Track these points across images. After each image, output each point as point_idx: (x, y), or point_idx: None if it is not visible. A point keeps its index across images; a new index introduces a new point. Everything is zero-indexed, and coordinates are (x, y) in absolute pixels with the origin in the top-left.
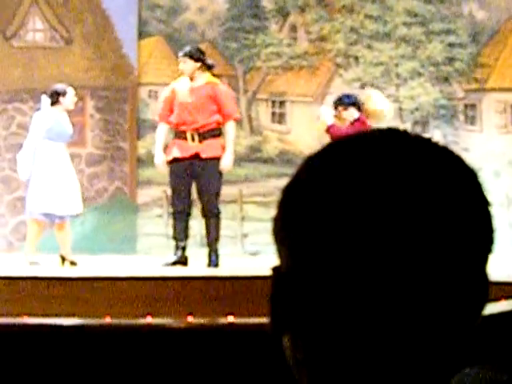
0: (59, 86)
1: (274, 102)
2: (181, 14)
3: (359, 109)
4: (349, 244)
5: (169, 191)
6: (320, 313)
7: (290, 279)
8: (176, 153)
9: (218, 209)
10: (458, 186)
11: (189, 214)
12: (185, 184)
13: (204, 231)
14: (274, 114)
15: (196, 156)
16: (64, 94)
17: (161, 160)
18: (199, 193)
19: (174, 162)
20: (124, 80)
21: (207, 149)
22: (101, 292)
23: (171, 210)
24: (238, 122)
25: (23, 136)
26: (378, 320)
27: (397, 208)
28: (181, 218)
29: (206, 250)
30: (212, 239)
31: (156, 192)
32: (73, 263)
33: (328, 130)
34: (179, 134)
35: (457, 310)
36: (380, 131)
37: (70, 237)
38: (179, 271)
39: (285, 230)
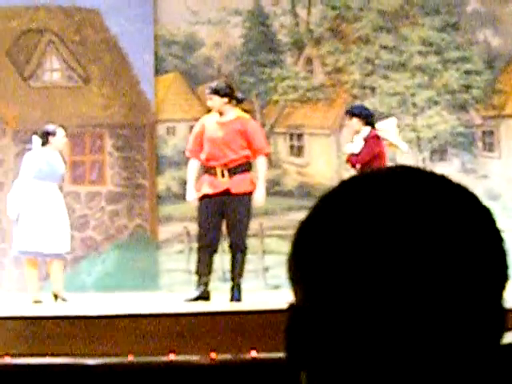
0: (50, 127)
1: (291, 135)
2: (196, 49)
3: (368, 123)
4: (363, 282)
5: (190, 227)
6: (334, 351)
7: (304, 317)
8: (206, 189)
9: (245, 244)
10: (472, 222)
11: (215, 250)
12: (214, 220)
13: (228, 266)
14: (292, 147)
15: (226, 192)
16: (54, 134)
17: (193, 197)
18: (229, 227)
19: (203, 198)
20: (142, 117)
21: (237, 184)
22: (123, 330)
23: (195, 244)
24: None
25: None
26: (393, 357)
27: (411, 246)
28: (205, 253)
29: (227, 285)
30: (236, 274)
31: (177, 228)
32: (64, 300)
33: (347, 160)
34: (209, 170)
35: (474, 342)
36: (393, 169)
37: (61, 274)
38: (201, 307)
39: (298, 268)
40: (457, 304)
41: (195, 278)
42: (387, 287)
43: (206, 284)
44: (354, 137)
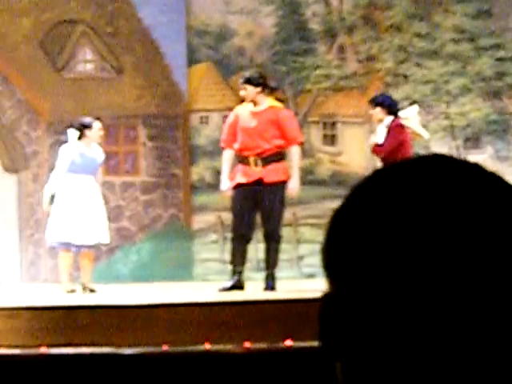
0: (86, 120)
1: (324, 124)
2: (229, 39)
3: (392, 112)
4: (397, 272)
5: (224, 216)
6: (367, 340)
7: (337, 306)
8: (240, 178)
9: (279, 234)
10: (507, 212)
11: (249, 240)
12: (248, 209)
13: (262, 255)
14: (325, 135)
15: (259, 181)
16: (90, 127)
17: (227, 186)
18: (263, 217)
19: (237, 187)
20: (175, 107)
21: (270, 173)
22: (158, 320)
23: (229, 234)
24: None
25: None
26: (427, 349)
27: (444, 236)
28: (240, 243)
29: (262, 274)
30: (271, 263)
31: (210, 218)
32: (92, 291)
33: (372, 151)
34: (242, 160)
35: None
36: (426, 158)
37: (91, 266)
38: (236, 296)
39: (332, 257)
40: (493, 296)
41: (230, 267)
42: (421, 277)
43: (241, 273)
44: (378, 126)
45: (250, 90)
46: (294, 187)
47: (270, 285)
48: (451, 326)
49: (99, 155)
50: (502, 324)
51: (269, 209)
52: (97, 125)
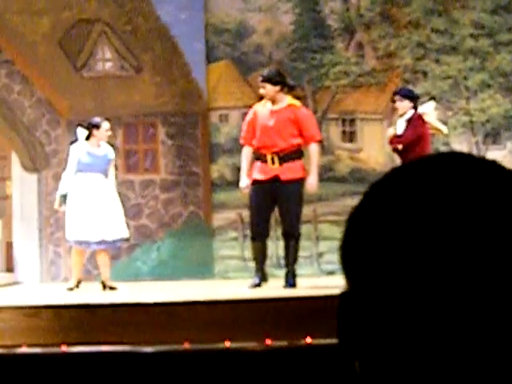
0: (95, 119)
1: (344, 121)
2: (247, 37)
3: (414, 106)
4: (413, 271)
5: (244, 213)
6: (384, 338)
7: (355, 303)
8: (256, 175)
9: (298, 231)
10: None
11: (267, 236)
12: (265, 206)
13: (282, 252)
14: (344, 132)
15: (276, 178)
16: (98, 126)
17: (245, 183)
18: (281, 215)
19: (254, 184)
20: (194, 105)
21: (287, 171)
22: (179, 317)
23: (248, 232)
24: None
25: None
26: (442, 348)
27: (462, 236)
28: (259, 240)
29: (282, 271)
30: (291, 260)
31: (231, 215)
32: (112, 288)
33: (390, 142)
34: (260, 157)
35: None
36: (444, 156)
37: (108, 264)
38: (256, 293)
39: (350, 255)
40: (509, 294)
41: (253, 264)
42: (437, 276)
43: (263, 269)
44: (398, 120)
45: (269, 89)
46: (312, 183)
47: (291, 282)
48: (466, 324)
49: (109, 154)
50: None
51: (286, 206)
52: (105, 125)
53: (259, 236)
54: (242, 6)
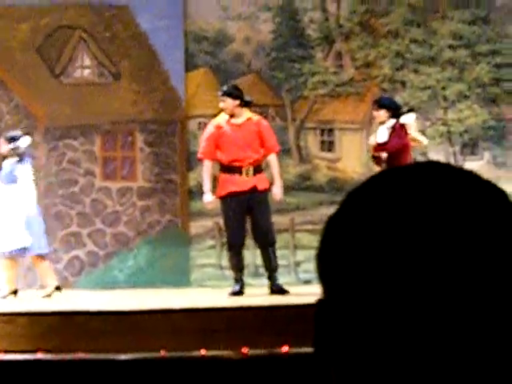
0: (14, 133)
1: (322, 130)
2: (227, 45)
3: (395, 115)
4: (388, 279)
5: (221, 222)
6: (358, 346)
7: (330, 312)
8: (233, 187)
9: (274, 238)
10: (501, 221)
11: (244, 245)
12: (241, 216)
13: (260, 261)
14: (322, 142)
15: (253, 189)
16: (16, 139)
17: (211, 199)
18: (257, 224)
19: (231, 195)
20: (173, 113)
21: (261, 181)
22: (155, 325)
23: (225, 241)
24: (288, 151)
25: (74, 172)
26: (417, 354)
27: (437, 245)
28: (237, 251)
29: (259, 280)
30: (273, 267)
31: (208, 223)
32: (58, 288)
33: (374, 150)
34: (232, 170)
35: (501, 342)
36: (422, 165)
37: (44, 269)
38: (233, 302)
39: (325, 263)
40: (483, 303)
41: (230, 273)
42: (413, 285)
43: (242, 279)
44: (379, 127)
45: (229, 102)
46: (278, 192)
47: (279, 286)
48: (442, 333)
49: (18, 166)
50: (490, 337)
51: (262, 215)
52: (25, 140)
53: (238, 245)
54: (222, 14)
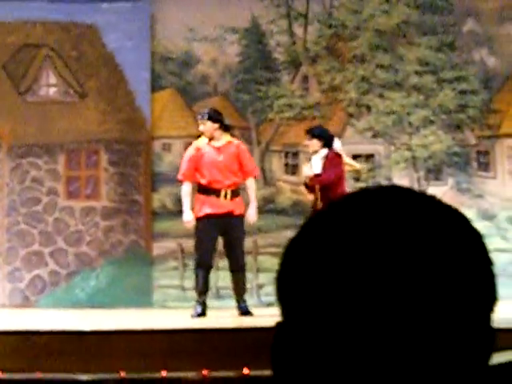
0: None
1: (287, 153)
2: (193, 66)
3: (327, 144)
4: (347, 302)
5: (184, 244)
6: (316, 368)
7: (288, 334)
8: (208, 209)
9: (244, 262)
10: (462, 244)
11: (212, 267)
12: (213, 239)
13: (222, 283)
14: (287, 165)
15: (229, 213)
16: None
17: (191, 217)
18: (229, 247)
19: (206, 217)
20: (138, 133)
21: (238, 206)
22: (116, 346)
23: (189, 261)
24: None
25: (37, 190)
26: (375, 377)
27: (398, 269)
28: (204, 272)
29: (221, 302)
30: (241, 291)
31: (171, 244)
32: None
33: (310, 181)
34: (211, 192)
35: (462, 362)
36: (383, 189)
37: None
38: (194, 324)
39: (284, 286)
40: (444, 325)
41: (192, 294)
42: (373, 309)
43: (205, 301)
44: (312, 158)
45: (209, 126)
46: (252, 215)
47: (245, 308)
48: (398, 357)
49: None
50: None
51: (237, 239)
52: None
53: (205, 267)
54: (189, 35)
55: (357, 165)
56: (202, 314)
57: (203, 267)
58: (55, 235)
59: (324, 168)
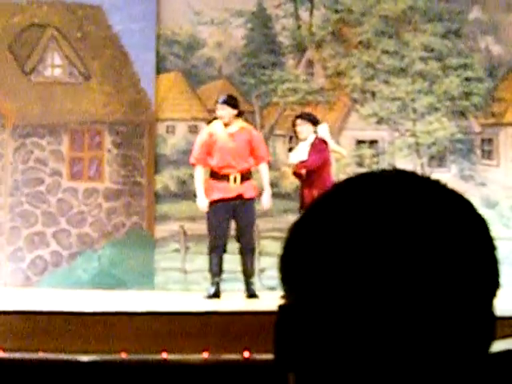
0: None
1: (291, 138)
2: (198, 49)
3: (315, 130)
4: (352, 285)
5: (186, 226)
6: (320, 351)
7: (292, 317)
8: (219, 194)
9: (254, 245)
10: (465, 229)
11: (225, 251)
12: (225, 222)
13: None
14: (290, 149)
15: (239, 196)
16: None
17: (205, 202)
18: (240, 230)
19: (216, 202)
20: (142, 115)
21: (248, 190)
22: (117, 327)
23: (191, 244)
24: None
25: (41, 171)
26: (379, 362)
27: (402, 251)
28: (218, 255)
29: (228, 285)
30: (251, 273)
31: (173, 227)
32: None
33: (296, 168)
34: (221, 176)
35: (463, 349)
36: (388, 173)
37: None
38: (196, 306)
39: (288, 269)
40: (446, 310)
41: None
42: (377, 291)
43: (218, 283)
44: (300, 144)
45: (228, 111)
46: (266, 201)
47: (253, 291)
48: (402, 338)
49: None
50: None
51: (247, 222)
52: None
53: (220, 246)
54: (194, 18)
55: (343, 151)
56: (215, 295)
57: (217, 247)
58: (58, 216)
59: (309, 154)
